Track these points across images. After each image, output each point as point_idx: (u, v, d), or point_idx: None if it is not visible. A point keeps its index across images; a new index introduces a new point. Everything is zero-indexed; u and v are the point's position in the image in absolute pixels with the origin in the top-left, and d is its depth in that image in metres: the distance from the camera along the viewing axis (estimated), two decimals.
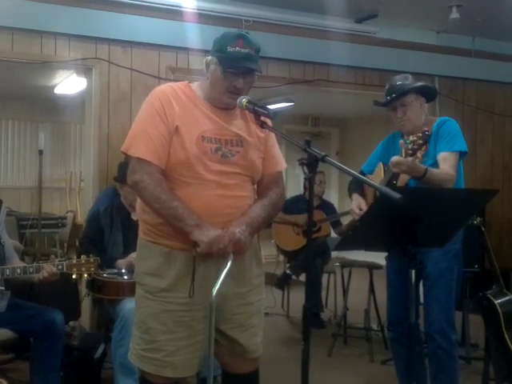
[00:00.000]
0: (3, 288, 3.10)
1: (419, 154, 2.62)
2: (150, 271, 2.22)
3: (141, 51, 4.75)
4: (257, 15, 5.02)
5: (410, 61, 5.59)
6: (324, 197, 5.92)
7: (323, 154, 1.90)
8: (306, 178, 1.93)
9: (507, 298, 3.29)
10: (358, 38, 5.48)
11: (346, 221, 5.16)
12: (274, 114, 2.12)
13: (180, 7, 4.72)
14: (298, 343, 1.96)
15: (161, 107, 2.19)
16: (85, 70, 4.72)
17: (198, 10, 4.76)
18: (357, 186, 3.16)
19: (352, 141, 9.92)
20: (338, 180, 9.62)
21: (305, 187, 5.68)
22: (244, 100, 2.17)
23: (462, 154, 2.91)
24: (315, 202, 5.50)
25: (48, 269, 2.98)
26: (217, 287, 2.06)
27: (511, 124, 6.38)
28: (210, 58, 2.23)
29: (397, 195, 1.75)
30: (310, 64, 5.41)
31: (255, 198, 2.33)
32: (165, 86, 2.32)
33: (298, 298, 5.28)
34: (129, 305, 3.07)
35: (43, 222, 5.97)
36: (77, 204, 8.51)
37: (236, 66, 2.17)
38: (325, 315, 5.42)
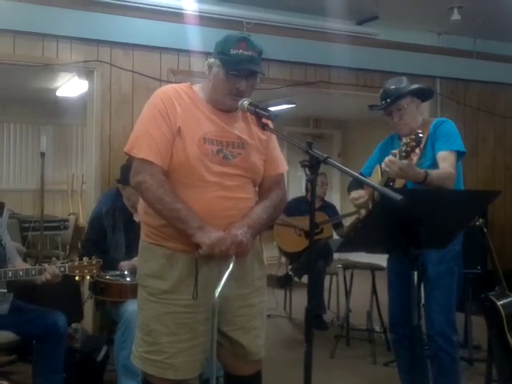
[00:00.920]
0: (5, 290, 3.11)
1: (413, 157, 2.62)
2: (152, 273, 2.22)
3: (142, 54, 4.75)
4: (258, 17, 5.03)
5: (412, 62, 5.59)
6: (326, 198, 5.92)
7: (325, 155, 1.90)
8: (307, 180, 1.94)
9: (510, 299, 3.28)
10: (359, 39, 5.48)
11: (347, 222, 5.16)
12: (275, 116, 2.12)
13: (181, 9, 4.72)
14: (300, 345, 1.96)
15: (163, 108, 2.19)
16: (86, 72, 4.73)
17: (200, 12, 4.76)
18: (356, 187, 3.16)
19: (354, 142, 9.92)
20: (339, 182, 9.61)
21: (306, 189, 5.69)
22: (245, 102, 2.17)
23: (459, 155, 2.89)
24: (317, 204, 5.50)
25: (50, 270, 2.98)
26: (219, 289, 2.07)
27: None
28: (212, 60, 2.24)
29: (398, 197, 1.75)
30: (312, 66, 5.41)
31: (256, 200, 2.33)
32: (167, 88, 2.32)
33: (300, 299, 5.26)
34: (131, 307, 3.07)
35: (45, 224, 5.99)
36: (79, 206, 8.52)
37: (239, 69, 2.17)
38: (327, 317, 5.42)
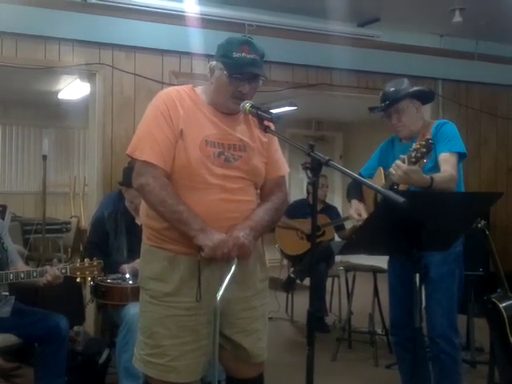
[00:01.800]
0: (7, 293, 3.11)
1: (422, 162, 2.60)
2: (154, 276, 2.22)
3: (144, 56, 4.76)
4: (260, 20, 5.04)
5: (413, 64, 5.60)
6: (328, 201, 5.92)
7: (327, 158, 1.90)
8: (309, 183, 1.94)
9: None
10: (361, 41, 5.48)
11: (349, 225, 5.15)
12: (277, 118, 2.12)
13: (183, 12, 4.73)
14: (302, 348, 1.96)
15: (166, 110, 2.19)
16: (88, 75, 4.74)
17: (201, 14, 4.77)
18: (356, 191, 3.15)
19: (355, 145, 9.91)
20: (341, 184, 9.60)
21: (308, 191, 5.68)
22: (247, 104, 2.17)
23: (461, 156, 2.89)
24: (318, 206, 5.50)
25: (52, 272, 2.98)
26: (221, 292, 2.06)
27: None
28: (214, 63, 2.24)
29: (401, 199, 1.75)
30: (313, 68, 5.42)
31: (258, 203, 2.33)
32: (170, 89, 2.32)
33: (302, 302, 5.25)
34: (133, 310, 3.06)
35: (47, 227, 5.99)
36: (81, 209, 8.53)
37: (242, 72, 2.17)
38: (329, 319, 5.41)
